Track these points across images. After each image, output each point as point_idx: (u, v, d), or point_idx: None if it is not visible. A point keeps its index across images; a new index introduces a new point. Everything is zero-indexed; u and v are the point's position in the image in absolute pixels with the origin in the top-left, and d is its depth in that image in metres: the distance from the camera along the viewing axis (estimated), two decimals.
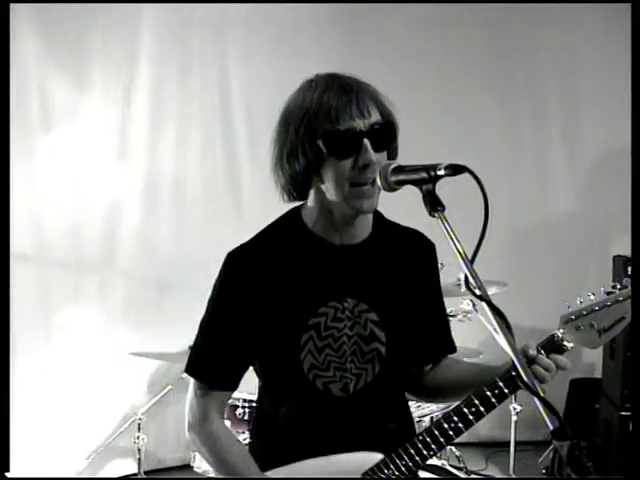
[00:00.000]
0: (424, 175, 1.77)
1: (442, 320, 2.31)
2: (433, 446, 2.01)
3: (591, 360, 5.93)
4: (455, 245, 1.70)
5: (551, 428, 1.49)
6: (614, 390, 4.89)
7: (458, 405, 2.02)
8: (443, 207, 1.74)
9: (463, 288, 4.47)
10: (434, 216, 1.74)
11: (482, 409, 2.00)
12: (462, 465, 4.90)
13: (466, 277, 1.67)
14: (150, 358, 4.70)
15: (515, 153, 5.92)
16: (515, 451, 4.91)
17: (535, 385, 1.52)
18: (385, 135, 1.98)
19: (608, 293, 2.03)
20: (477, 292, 1.65)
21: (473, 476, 5.09)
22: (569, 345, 2.02)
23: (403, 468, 2.02)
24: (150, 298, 5.30)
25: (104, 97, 5.19)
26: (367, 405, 2.07)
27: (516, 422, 4.78)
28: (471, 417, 2.00)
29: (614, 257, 4.90)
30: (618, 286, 2.03)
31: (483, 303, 1.61)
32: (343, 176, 1.93)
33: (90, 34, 5.07)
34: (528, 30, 5.87)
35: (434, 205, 1.75)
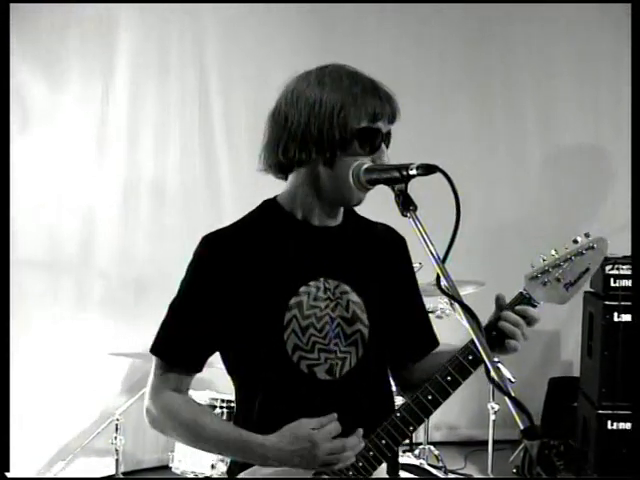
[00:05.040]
0: (396, 175, 1.79)
1: (423, 315, 2.29)
2: (412, 421, 1.98)
3: (569, 358, 5.96)
4: (427, 245, 1.70)
5: (521, 427, 1.49)
6: (592, 388, 4.91)
7: (434, 377, 1.99)
8: (415, 207, 1.76)
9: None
10: (406, 216, 1.76)
11: (458, 377, 1.98)
12: (441, 464, 4.91)
13: (438, 277, 1.68)
14: (129, 357, 4.69)
15: (488, 150, 5.94)
16: (493, 450, 4.92)
17: (506, 385, 1.52)
18: (389, 144, 2.03)
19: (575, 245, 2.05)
20: (448, 292, 1.66)
21: (451, 475, 5.09)
22: (537, 303, 2.02)
23: (384, 449, 1.97)
24: (128, 299, 5.27)
25: (82, 98, 5.16)
26: (353, 390, 2.03)
27: (494, 421, 4.78)
28: (448, 387, 1.98)
29: None
30: (579, 239, 2.05)
31: (455, 303, 1.61)
32: None
33: (67, 35, 5.04)
34: (504, 26, 5.93)
35: (406, 205, 1.76)
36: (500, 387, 1.52)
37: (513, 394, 1.50)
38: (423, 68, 5.83)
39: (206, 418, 2.05)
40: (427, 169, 1.74)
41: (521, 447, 4.97)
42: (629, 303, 4.67)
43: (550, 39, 5.97)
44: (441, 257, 1.70)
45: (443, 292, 1.66)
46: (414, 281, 2.27)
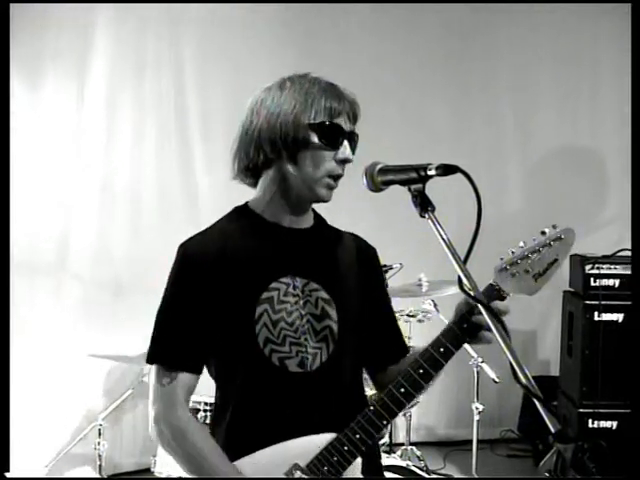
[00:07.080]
0: (414, 175, 1.78)
1: (393, 325, 2.32)
2: (385, 415, 1.99)
3: (546, 358, 5.99)
4: (447, 246, 1.69)
5: (552, 431, 1.48)
6: (572, 388, 4.93)
7: (406, 370, 1.99)
8: (433, 207, 1.75)
9: (425, 289, 4.49)
10: (424, 217, 1.74)
11: (430, 370, 1.98)
12: (423, 465, 4.90)
13: (459, 278, 1.66)
14: (109, 359, 4.64)
15: (468, 152, 5.95)
16: (477, 450, 4.92)
17: (535, 387, 1.51)
18: (355, 144, 2.09)
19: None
20: (470, 293, 1.64)
21: (433, 476, 5.09)
22: (506, 294, 2.00)
23: (359, 443, 1.98)
24: (105, 301, 5.22)
25: (58, 98, 5.13)
26: (325, 384, 2.06)
27: (478, 421, 4.78)
28: (420, 380, 1.98)
29: (571, 256, 4.92)
30: (547, 230, 2.03)
31: (479, 305, 1.60)
32: (322, 165, 2.03)
33: (44, 34, 5.00)
34: (484, 31, 5.95)
35: (424, 206, 1.75)
36: (530, 390, 1.51)
37: (542, 397, 1.49)
38: (401, 76, 5.84)
39: (212, 452, 2.02)
40: (446, 170, 1.73)
41: (553, 451, 4.98)
42: (610, 302, 4.70)
43: (530, 44, 6.01)
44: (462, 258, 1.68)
45: (466, 293, 1.64)
46: (384, 292, 2.33)
